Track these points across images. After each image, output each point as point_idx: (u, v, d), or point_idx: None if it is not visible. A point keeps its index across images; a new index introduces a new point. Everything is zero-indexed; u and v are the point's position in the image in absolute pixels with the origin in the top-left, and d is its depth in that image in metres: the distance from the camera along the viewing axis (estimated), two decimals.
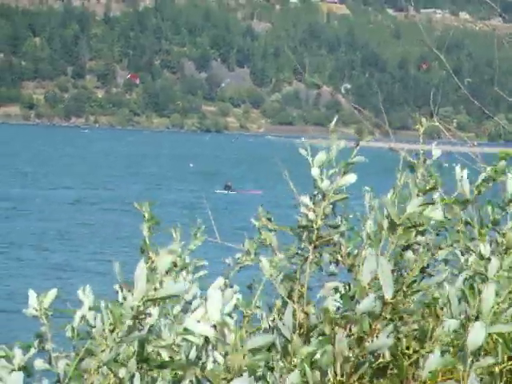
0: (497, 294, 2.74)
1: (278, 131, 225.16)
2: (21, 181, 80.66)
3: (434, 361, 2.66)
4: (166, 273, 2.57)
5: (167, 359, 2.78)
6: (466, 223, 3.16)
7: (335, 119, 3.26)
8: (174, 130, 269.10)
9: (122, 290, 2.60)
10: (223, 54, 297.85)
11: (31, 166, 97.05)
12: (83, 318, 2.58)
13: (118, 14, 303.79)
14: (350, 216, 3.25)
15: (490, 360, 2.69)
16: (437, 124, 6.02)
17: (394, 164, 3.28)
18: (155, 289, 2.52)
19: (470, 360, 2.62)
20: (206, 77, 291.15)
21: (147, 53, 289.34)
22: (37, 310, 2.71)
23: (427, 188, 3.07)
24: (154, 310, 2.62)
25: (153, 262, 2.60)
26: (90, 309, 2.56)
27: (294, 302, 2.92)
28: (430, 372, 2.65)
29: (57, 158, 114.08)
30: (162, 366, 2.62)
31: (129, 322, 2.53)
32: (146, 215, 2.97)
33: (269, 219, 3.36)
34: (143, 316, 2.55)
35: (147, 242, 2.88)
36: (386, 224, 2.98)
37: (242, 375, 2.38)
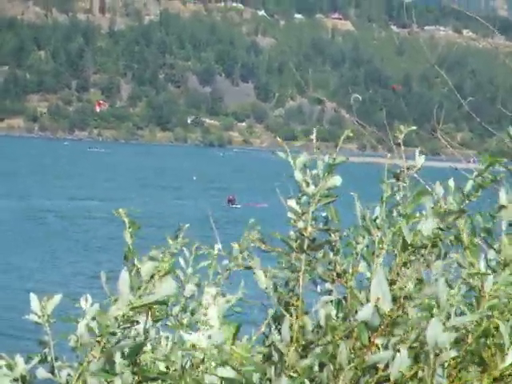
0: (451, 287, 2.80)
1: (281, 146, 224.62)
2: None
3: (401, 360, 2.68)
4: (151, 278, 2.58)
5: (162, 369, 2.79)
6: (458, 234, 3.19)
7: (344, 135, 3.24)
8: (177, 144, 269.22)
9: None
10: (227, 69, 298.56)
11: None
12: (87, 327, 2.59)
13: (122, 27, 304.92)
14: (344, 234, 3.23)
15: (452, 353, 2.72)
16: (441, 139, 6.05)
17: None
18: (140, 296, 2.53)
19: (431, 356, 2.65)
20: (210, 91, 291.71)
21: (151, 67, 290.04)
22: (39, 317, 2.69)
23: (445, 211, 3.07)
24: (143, 318, 2.62)
25: (137, 269, 2.61)
26: (93, 318, 2.57)
27: (290, 314, 2.92)
28: (399, 371, 2.67)
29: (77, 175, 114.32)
30: (157, 377, 2.63)
31: (115, 332, 2.53)
32: (127, 222, 2.94)
33: (263, 242, 3.32)
34: (128, 325, 2.55)
35: (130, 248, 2.88)
36: (399, 244, 2.99)
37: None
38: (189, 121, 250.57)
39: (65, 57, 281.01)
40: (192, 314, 3.32)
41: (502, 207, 3.26)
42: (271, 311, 2.90)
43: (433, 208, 3.08)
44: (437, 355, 2.67)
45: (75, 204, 74.94)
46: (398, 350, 2.67)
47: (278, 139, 3.23)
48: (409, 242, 2.96)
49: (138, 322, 2.58)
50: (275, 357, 2.71)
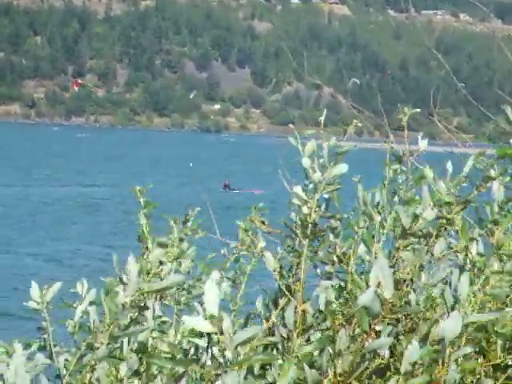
0: (472, 284, 2.76)
1: (278, 132, 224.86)
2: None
3: (413, 352, 2.68)
4: (161, 264, 2.58)
5: (168, 355, 2.79)
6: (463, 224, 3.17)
7: (324, 114, 3.24)
8: (174, 130, 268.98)
9: (122, 282, 2.61)
10: (224, 54, 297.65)
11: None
12: (84, 312, 2.59)
13: (118, 13, 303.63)
14: (345, 215, 3.23)
15: (468, 349, 2.70)
16: (438, 124, 6.04)
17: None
18: (149, 281, 2.53)
19: (448, 350, 2.63)
20: (207, 77, 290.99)
21: (148, 52, 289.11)
22: (38, 304, 2.70)
23: (443, 201, 3.05)
24: (155, 304, 2.63)
25: (147, 254, 2.61)
26: (91, 303, 2.57)
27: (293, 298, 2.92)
28: (410, 364, 2.66)
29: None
30: (165, 362, 2.63)
31: (124, 318, 2.53)
32: (142, 202, 2.93)
33: (263, 222, 3.32)
34: (135, 311, 2.55)
35: (145, 230, 2.86)
36: (397, 231, 2.98)
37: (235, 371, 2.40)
38: (191, 96, 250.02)
39: (61, 42, 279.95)
40: (188, 292, 3.31)
41: (490, 178, 3.24)
42: (271, 295, 2.90)
43: (432, 196, 3.06)
44: (452, 350, 2.65)
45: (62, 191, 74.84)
46: (410, 342, 2.65)
47: (291, 126, 3.23)
48: (407, 229, 2.95)
49: (146, 308, 2.59)
50: (279, 342, 2.72)
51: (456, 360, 2.69)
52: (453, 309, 2.66)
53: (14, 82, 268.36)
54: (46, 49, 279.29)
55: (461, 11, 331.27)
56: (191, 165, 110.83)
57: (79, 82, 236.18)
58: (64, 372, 2.71)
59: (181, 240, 3.04)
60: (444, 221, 2.99)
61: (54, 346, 2.75)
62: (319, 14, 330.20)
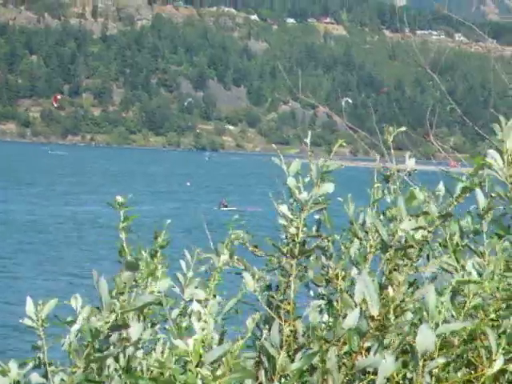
0: (440, 294, 2.78)
1: (273, 151, 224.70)
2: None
3: (386, 366, 2.67)
4: (135, 284, 2.56)
5: (155, 374, 2.78)
6: (444, 238, 3.19)
7: (309, 136, 3.25)
8: (170, 149, 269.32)
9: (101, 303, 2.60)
10: (220, 73, 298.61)
11: None
12: (79, 332, 2.58)
13: (115, 32, 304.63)
14: (337, 237, 3.22)
15: (440, 360, 2.71)
16: (433, 143, 6.06)
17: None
18: (124, 301, 2.52)
19: (421, 362, 2.64)
20: (203, 96, 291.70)
21: (144, 71, 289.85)
22: (33, 321, 2.67)
23: (419, 213, 3.07)
24: (136, 324, 2.61)
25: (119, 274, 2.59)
26: (87, 321, 2.56)
27: (280, 317, 2.91)
28: (385, 378, 2.66)
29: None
30: (148, 382, 2.63)
31: (99, 341, 2.52)
32: (122, 215, 2.91)
33: (255, 246, 3.31)
34: (112, 332, 2.53)
35: (124, 245, 2.85)
36: (378, 245, 2.99)
37: None
38: (185, 103, 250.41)
39: (57, 62, 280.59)
40: (190, 316, 3.30)
41: (467, 188, 3.24)
42: (258, 315, 2.89)
43: (411, 211, 3.07)
44: (425, 361, 2.66)
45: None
46: (384, 357, 2.66)
47: (273, 146, 3.23)
48: (386, 242, 2.96)
49: (127, 326, 2.58)
50: (265, 361, 2.71)
51: (430, 372, 2.70)
52: (421, 321, 2.68)
53: (9, 101, 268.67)
54: (42, 68, 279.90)
55: (456, 31, 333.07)
56: (189, 184, 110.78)
57: (58, 97, 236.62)
58: None
59: (152, 256, 3.04)
60: (426, 233, 3.01)
61: (50, 364, 2.73)
62: (315, 33, 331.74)
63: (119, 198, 2.92)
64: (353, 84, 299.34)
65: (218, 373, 2.39)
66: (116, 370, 2.62)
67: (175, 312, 3.24)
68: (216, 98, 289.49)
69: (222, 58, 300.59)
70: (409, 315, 2.86)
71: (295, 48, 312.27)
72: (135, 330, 2.62)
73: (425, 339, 2.59)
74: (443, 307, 2.73)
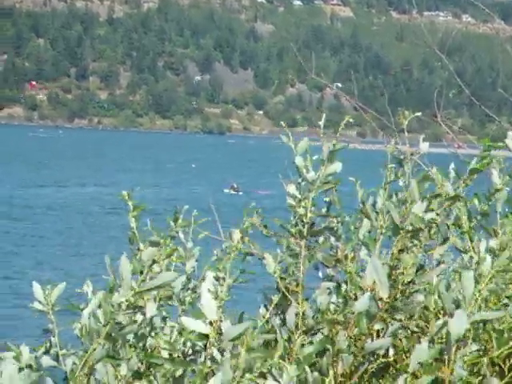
0: (478, 283, 2.77)
1: (281, 133, 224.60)
2: None
3: (421, 352, 2.68)
4: (153, 263, 2.58)
5: (166, 355, 2.80)
6: (456, 219, 3.18)
7: (323, 118, 3.24)
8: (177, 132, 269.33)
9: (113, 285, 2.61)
10: (226, 56, 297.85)
11: None
12: (91, 314, 2.59)
13: (121, 15, 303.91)
14: (346, 218, 3.22)
15: (474, 347, 2.71)
16: (441, 125, 6.04)
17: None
18: (143, 280, 2.53)
19: (453, 348, 2.64)
20: (210, 79, 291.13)
21: (150, 54, 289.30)
22: (43, 305, 2.69)
23: (431, 195, 3.06)
24: (151, 304, 2.62)
25: (139, 254, 2.61)
26: (99, 306, 2.57)
27: (288, 300, 2.92)
28: (418, 363, 2.66)
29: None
30: (162, 363, 2.64)
31: (120, 318, 2.54)
32: (131, 205, 2.92)
33: (265, 226, 3.31)
34: (133, 311, 2.55)
35: (135, 232, 2.86)
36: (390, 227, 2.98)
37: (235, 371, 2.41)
38: (195, 82, 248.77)
39: (63, 45, 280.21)
40: (194, 291, 3.31)
41: (497, 191, 3.25)
42: (276, 297, 2.90)
43: (417, 188, 3.07)
44: (458, 348, 2.66)
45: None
46: (419, 342, 2.66)
47: (282, 123, 3.22)
48: (398, 225, 2.95)
49: (142, 308, 2.59)
50: (280, 343, 2.72)
51: (462, 358, 2.70)
52: (457, 307, 2.67)
53: (16, 85, 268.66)
54: (48, 51, 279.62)
55: (463, 12, 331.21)
56: (194, 166, 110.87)
57: (33, 83, 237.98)
58: (71, 375, 2.71)
59: (172, 238, 3.05)
60: (436, 216, 3.00)
61: (61, 348, 2.75)
62: (321, 15, 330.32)
63: (125, 192, 2.93)
64: (360, 66, 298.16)
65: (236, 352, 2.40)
66: (134, 348, 2.64)
67: (178, 286, 3.24)
68: (223, 81, 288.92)
69: (229, 41, 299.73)
70: (419, 297, 2.87)
71: (302, 30, 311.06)
72: (150, 308, 2.64)
73: (459, 326, 2.59)
74: (480, 295, 2.72)
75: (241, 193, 74.50)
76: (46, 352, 2.83)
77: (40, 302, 2.70)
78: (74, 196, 70.85)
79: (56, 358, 2.73)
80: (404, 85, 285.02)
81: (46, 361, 2.62)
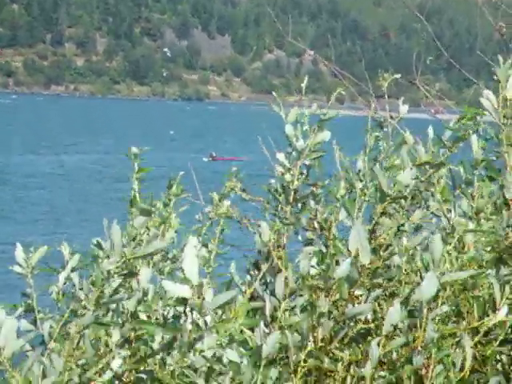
0: (446, 243, 2.80)
1: (259, 99, 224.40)
2: None
3: (394, 314, 2.71)
4: (146, 229, 2.57)
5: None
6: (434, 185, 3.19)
7: (305, 81, 3.25)
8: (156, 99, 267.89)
9: (100, 248, 2.59)
10: (204, 22, 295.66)
11: None
12: (68, 278, 2.57)
13: None
14: (326, 182, 3.24)
15: (445, 308, 2.75)
16: (420, 88, 6.03)
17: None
18: (134, 247, 2.52)
19: (425, 310, 2.67)
20: (187, 45, 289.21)
21: (127, 20, 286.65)
22: (23, 268, 2.67)
23: (421, 161, 3.06)
24: (145, 270, 2.62)
25: (132, 221, 2.60)
26: (73, 270, 2.56)
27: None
28: (391, 325, 2.71)
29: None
30: (154, 327, 2.64)
31: (110, 284, 2.53)
32: (136, 166, 2.91)
33: (243, 190, 3.32)
34: (121, 277, 2.55)
35: (137, 194, 2.85)
36: (376, 194, 2.99)
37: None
38: (167, 53, 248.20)
39: (39, 10, 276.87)
40: (172, 261, 3.31)
41: (460, 139, 3.25)
42: (265, 266, 2.91)
43: (411, 159, 3.08)
44: (429, 309, 2.69)
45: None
46: (391, 304, 2.69)
47: (274, 93, 3.23)
48: (386, 193, 2.96)
49: (134, 275, 2.59)
50: (267, 311, 2.73)
51: (433, 319, 2.73)
52: (427, 270, 2.70)
53: None
54: (23, 17, 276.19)
55: None
56: (172, 132, 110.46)
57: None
58: (48, 339, 2.71)
59: (165, 205, 3.03)
60: (420, 183, 3.01)
61: (38, 312, 2.74)
62: None
63: (135, 149, 2.92)
64: (338, 31, 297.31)
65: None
66: (123, 314, 2.64)
67: (157, 256, 3.23)
68: (200, 47, 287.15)
69: (206, 7, 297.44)
70: (396, 259, 2.89)
71: None
72: (144, 276, 2.64)
73: (430, 287, 2.62)
74: (449, 256, 2.76)
75: (220, 161, 74.50)
76: (24, 314, 2.82)
77: (20, 264, 2.69)
78: (56, 164, 70.48)
79: (34, 321, 2.72)
80: (382, 49, 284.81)
81: (24, 325, 2.61)
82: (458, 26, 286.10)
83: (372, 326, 2.89)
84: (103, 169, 64.49)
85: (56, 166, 68.85)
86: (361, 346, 2.88)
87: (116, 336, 2.62)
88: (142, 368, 2.67)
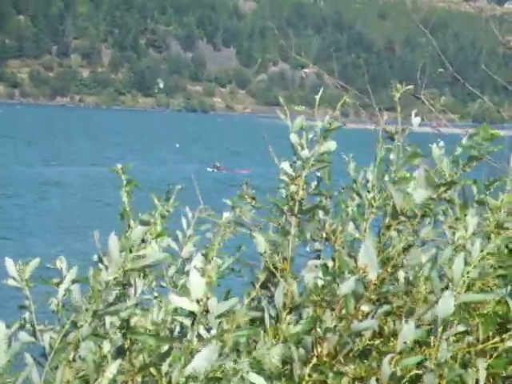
0: (467, 264, 2.75)
1: (264, 112, 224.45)
2: None
3: (407, 332, 2.69)
4: (142, 242, 2.56)
5: (152, 333, 2.79)
6: (449, 202, 3.17)
7: (320, 93, 3.23)
8: (160, 110, 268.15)
9: (101, 261, 2.59)
10: (209, 34, 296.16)
11: None
12: (67, 290, 2.57)
13: None
14: (335, 193, 3.22)
15: (460, 328, 2.72)
16: (425, 102, 6.04)
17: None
18: (133, 259, 2.52)
19: (440, 329, 2.64)
20: (192, 57, 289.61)
21: (133, 32, 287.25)
22: (17, 281, 2.66)
23: (440, 183, 3.03)
24: (139, 282, 2.62)
25: (129, 232, 2.59)
26: (73, 282, 2.55)
27: (282, 278, 2.91)
28: (404, 342, 2.67)
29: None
30: (148, 338, 2.63)
31: (107, 296, 2.53)
32: (124, 179, 2.89)
33: (253, 198, 3.31)
34: (120, 288, 2.54)
35: (127, 208, 2.83)
36: (388, 210, 2.96)
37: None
38: (161, 85, 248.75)
39: (45, 22, 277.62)
40: (188, 275, 3.30)
41: (474, 158, 3.23)
42: (262, 274, 2.89)
43: (425, 176, 3.05)
44: (444, 329, 2.67)
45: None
46: (407, 322, 2.67)
47: (280, 99, 3.22)
48: (399, 211, 2.93)
49: (130, 285, 2.58)
50: (267, 322, 2.71)
51: (447, 339, 2.70)
52: (446, 288, 2.67)
53: None
54: (29, 28, 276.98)
55: None
56: (178, 146, 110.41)
57: None
58: (49, 350, 2.70)
59: (163, 217, 3.03)
60: (430, 201, 2.99)
61: (37, 324, 2.73)
62: None
63: (119, 166, 2.91)
64: (343, 44, 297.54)
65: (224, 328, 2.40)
66: (117, 326, 2.63)
67: (172, 269, 3.24)
68: (205, 59, 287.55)
69: (212, 19, 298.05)
70: (401, 275, 2.86)
71: (285, 8, 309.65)
72: (137, 287, 2.63)
73: (447, 307, 2.59)
74: (468, 276, 2.72)
75: (224, 172, 74.45)
76: (22, 327, 2.81)
77: (14, 278, 2.68)
78: (65, 174, 70.56)
79: (33, 333, 2.71)
80: (387, 62, 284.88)
81: (24, 337, 2.61)
82: (463, 40, 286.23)
83: (377, 342, 2.87)
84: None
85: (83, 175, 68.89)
86: (365, 361, 2.86)
87: (107, 346, 2.61)
88: (139, 378, 2.66)
